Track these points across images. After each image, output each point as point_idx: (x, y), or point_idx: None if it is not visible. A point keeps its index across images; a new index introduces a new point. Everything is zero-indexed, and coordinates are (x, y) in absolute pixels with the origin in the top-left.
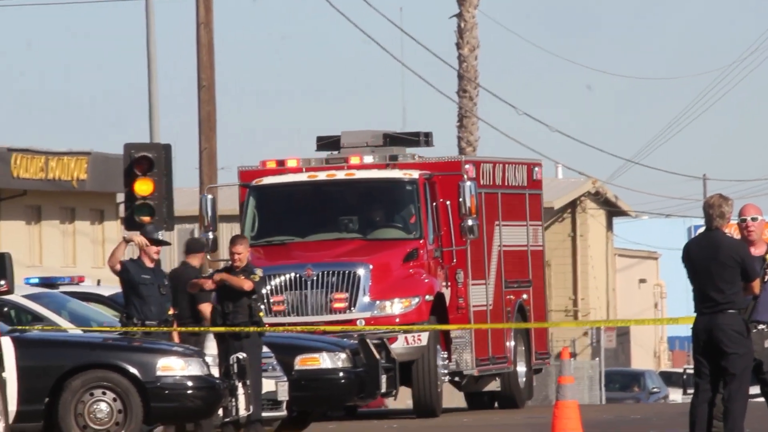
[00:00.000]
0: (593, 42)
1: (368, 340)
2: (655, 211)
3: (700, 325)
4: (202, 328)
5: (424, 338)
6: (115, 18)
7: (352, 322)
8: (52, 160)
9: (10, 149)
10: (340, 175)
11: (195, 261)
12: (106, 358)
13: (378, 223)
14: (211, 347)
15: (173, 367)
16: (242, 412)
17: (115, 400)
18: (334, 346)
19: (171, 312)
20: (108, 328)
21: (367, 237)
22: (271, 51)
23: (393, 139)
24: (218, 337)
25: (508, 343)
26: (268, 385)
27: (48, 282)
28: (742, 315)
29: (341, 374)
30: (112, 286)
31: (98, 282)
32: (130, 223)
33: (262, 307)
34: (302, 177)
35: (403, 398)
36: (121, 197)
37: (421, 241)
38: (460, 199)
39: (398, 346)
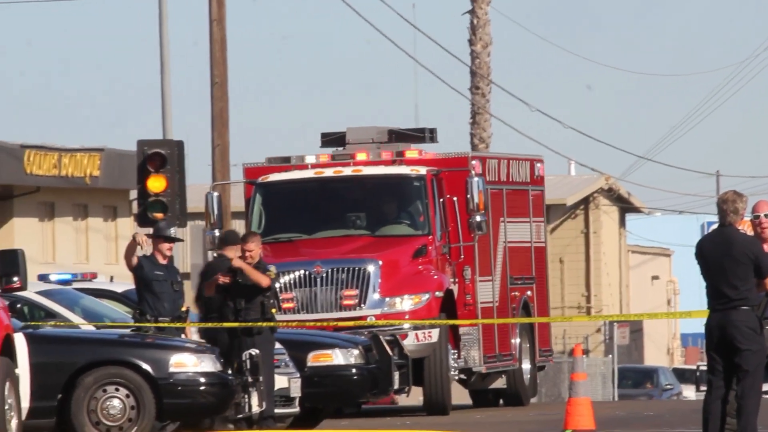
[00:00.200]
0: (606, 39)
1: (381, 337)
2: (668, 207)
3: (714, 322)
4: (215, 324)
5: (435, 335)
6: (128, 15)
7: (362, 318)
8: (65, 157)
9: (23, 146)
10: (348, 171)
11: (231, 253)
12: (119, 355)
13: (386, 219)
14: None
15: (186, 363)
16: (255, 409)
17: (128, 396)
18: (346, 343)
19: (184, 309)
20: (121, 324)
21: (376, 233)
22: (280, 49)
23: (398, 136)
24: (230, 333)
25: (513, 340)
26: (280, 382)
27: (66, 282)
28: (755, 312)
29: (354, 371)
30: (124, 283)
31: (111, 278)
32: (142, 220)
33: (275, 303)
34: (309, 173)
35: (411, 395)
36: (134, 194)
37: (429, 238)
38: (468, 195)
39: (409, 343)
